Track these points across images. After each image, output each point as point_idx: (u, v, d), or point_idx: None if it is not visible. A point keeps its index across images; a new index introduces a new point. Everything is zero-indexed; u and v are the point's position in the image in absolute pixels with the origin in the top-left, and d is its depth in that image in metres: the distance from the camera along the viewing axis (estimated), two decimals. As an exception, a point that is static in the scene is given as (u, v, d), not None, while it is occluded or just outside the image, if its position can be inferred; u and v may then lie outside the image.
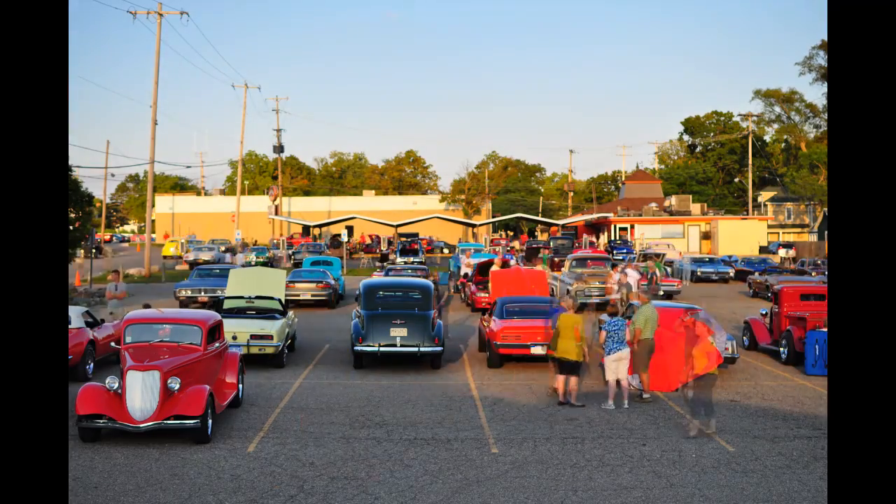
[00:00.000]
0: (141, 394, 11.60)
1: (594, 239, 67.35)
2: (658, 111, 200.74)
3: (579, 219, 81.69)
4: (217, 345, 13.83)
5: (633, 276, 28.67)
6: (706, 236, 70.20)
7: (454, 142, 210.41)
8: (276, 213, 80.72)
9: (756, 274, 40.84)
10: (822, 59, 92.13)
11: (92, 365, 17.32)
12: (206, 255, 54.10)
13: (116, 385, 11.69)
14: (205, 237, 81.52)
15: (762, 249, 66.43)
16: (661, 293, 31.69)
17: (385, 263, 50.64)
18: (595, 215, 77.75)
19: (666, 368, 16.08)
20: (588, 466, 11.00)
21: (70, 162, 33.94)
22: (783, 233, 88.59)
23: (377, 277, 30.33)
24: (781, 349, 19.78)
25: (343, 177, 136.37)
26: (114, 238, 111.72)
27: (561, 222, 79.22)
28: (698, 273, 45.61)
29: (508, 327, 18.24)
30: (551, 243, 58.58)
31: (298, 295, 30.92)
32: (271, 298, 20.01)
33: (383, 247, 68.95)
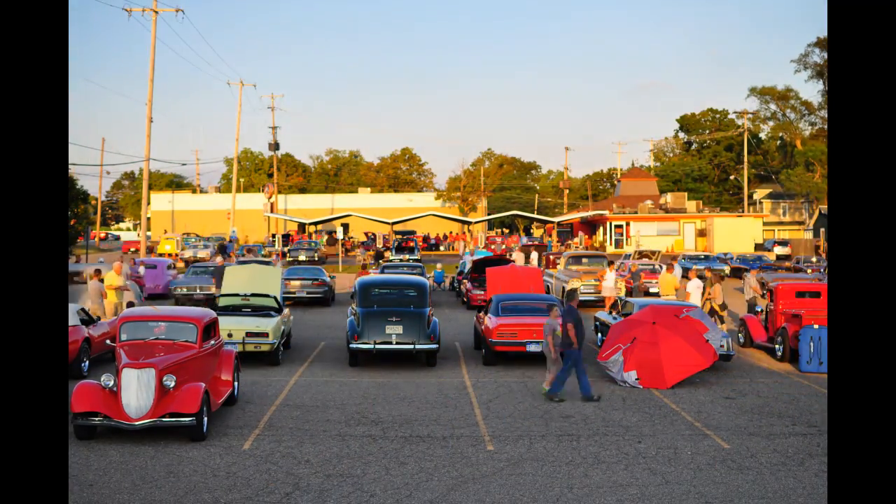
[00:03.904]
0: (136, 391, 11.57)
1: (586, 236, 67.55)
2: (654, 108, 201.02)
3: (575, 216, 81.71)
4: (212, 342, 13.81)
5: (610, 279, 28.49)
6: (702, 234, 70.30)
7: (450, 139, 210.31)
8: (272, 211, 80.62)
9: (751, 271, 40.88)
10: (817, 57, 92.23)
11: (87, 363, 17.29)
12: (203, 253, 54.00)
13: (112, 383, 11.67)
14: (201, 234, 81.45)
15: (757, 247, 66.56)
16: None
17: (380, 261, 50.59)
18: (591, 213, 77.79)
19: (660, 366, 16.11)
20: (584, 464, 11.01)
21: (65, 159, 33.92)
22: (779, 230, 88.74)
23: (373, 275, 30.32)
24: (777, 346, 19.82)
25: (339, 174, 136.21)
26: (108, 236, 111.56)
27: (557, 220, 79.21)
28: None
29: (504, 324, 18.23)
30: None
31: (294, 292, 30.93)
32: (267, 296, 20.00)
33: (379, 244, 68.94)
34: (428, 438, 12.22)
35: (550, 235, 72.58)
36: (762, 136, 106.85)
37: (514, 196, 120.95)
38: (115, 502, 9.36)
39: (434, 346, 18.04)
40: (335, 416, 13.55)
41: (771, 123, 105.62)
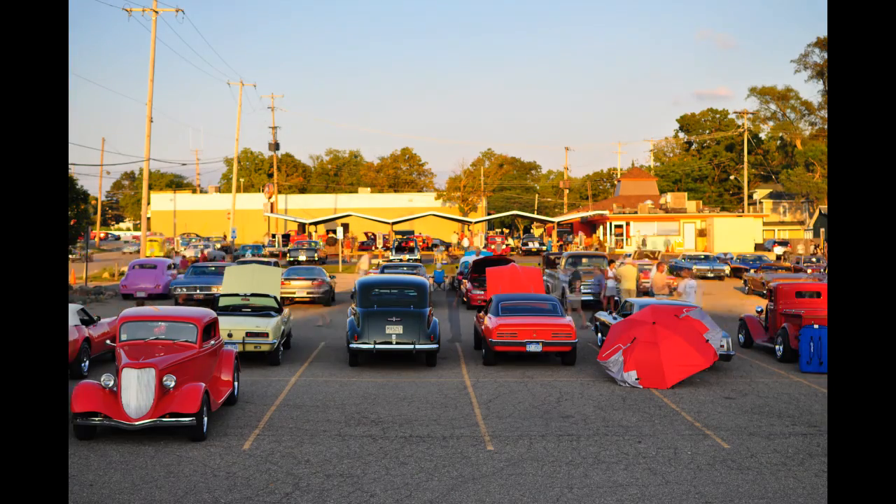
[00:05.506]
0: (136, 391, 11.57)
1: (586, 236, 67.60)
2: (654, 108, 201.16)
3: (575, 216, 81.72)
4: (212, 342, 13.80)
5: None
6: (702, 234, 70.33)
7: (450, 139, 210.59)
8: (273, 211, 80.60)
9: (751, 271, 40.94)
10: (817, 57, 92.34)
11: (87, 363, 17.29)
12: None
13: (112, 383, 11.67)
14: (201, 234, 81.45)
15: (757, 247, 66.58)
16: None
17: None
18: (591, 213, 77.80)
19: (660, 366, 16.10)
20: (584, 464, 11.00)
21: (65, 159, 34.01)
22: (779, 230, 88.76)
23: (373, 275, 30.32)
24: (777, 346, 19.81)
25: (339, 174, 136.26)
26: (108, 236, 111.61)
27: (556, 220, 79.20)
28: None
29: (504, 324, 18.22)
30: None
31: (294, 293, 30.94)
32: (267, 296, 19.99)
33: (379, 244, 68.95)
34: (428, 438, 12.22)
35: (550, 235, 72.60)
36: (762, 136, 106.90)
37: (514, 196, 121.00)
38: (115, 502, 9.36)
39: (434, 346, 18.03)
40: (335, 416, 13.55)
41: (771, 123, 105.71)
